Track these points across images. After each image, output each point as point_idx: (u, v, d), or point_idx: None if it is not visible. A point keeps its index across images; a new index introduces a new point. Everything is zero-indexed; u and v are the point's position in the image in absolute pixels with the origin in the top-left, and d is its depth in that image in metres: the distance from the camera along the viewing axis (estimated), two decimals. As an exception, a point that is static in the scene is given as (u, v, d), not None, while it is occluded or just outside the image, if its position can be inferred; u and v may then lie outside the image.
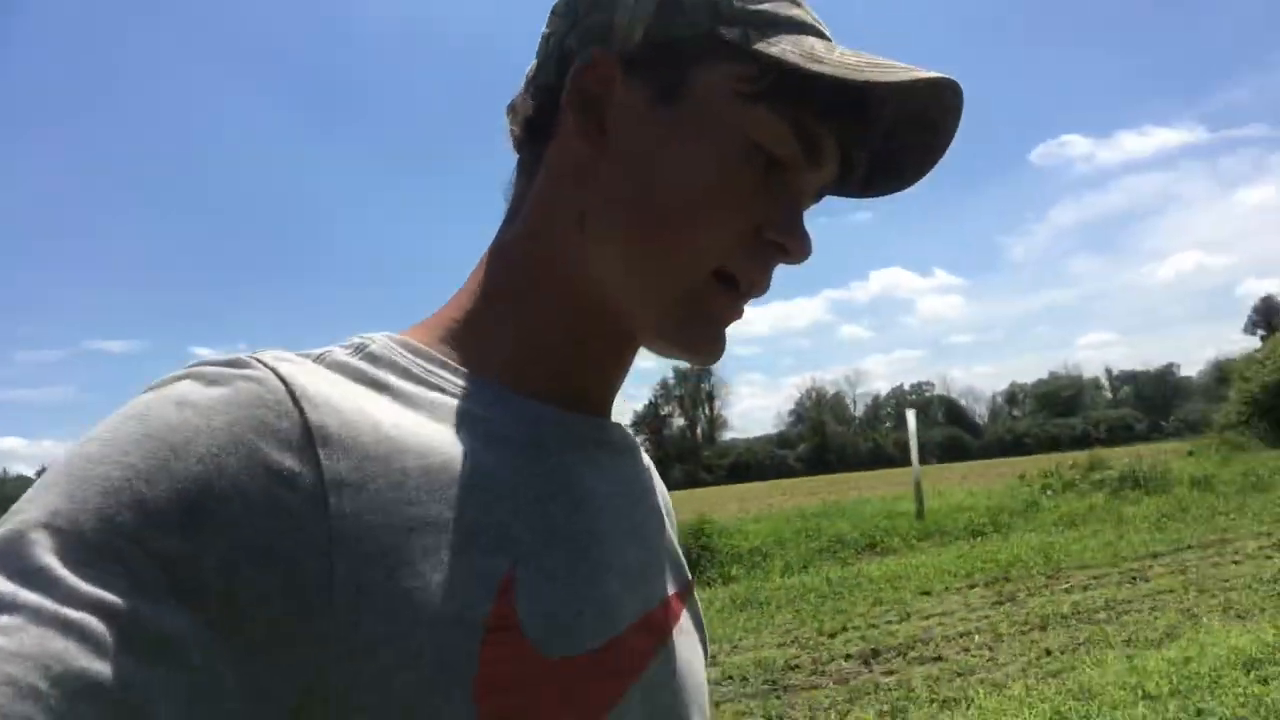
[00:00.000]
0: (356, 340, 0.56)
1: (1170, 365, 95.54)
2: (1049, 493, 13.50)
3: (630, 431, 0.69)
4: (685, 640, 0.64)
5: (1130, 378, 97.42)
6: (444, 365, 0.57)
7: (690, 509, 15.05)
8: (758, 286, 0.60)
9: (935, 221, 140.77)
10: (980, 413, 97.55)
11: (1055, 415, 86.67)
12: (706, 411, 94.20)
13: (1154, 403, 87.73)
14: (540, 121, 0.62)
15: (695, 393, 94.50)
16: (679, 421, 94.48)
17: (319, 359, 0.52)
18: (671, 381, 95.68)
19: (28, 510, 0.40)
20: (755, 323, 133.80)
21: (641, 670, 0.57)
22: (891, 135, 0.61)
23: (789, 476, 64.92)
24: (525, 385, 0.59)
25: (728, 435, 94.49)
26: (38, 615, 0.36)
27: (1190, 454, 17.76)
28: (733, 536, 12.31)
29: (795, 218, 0.59)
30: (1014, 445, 77.22)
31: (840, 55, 0.56)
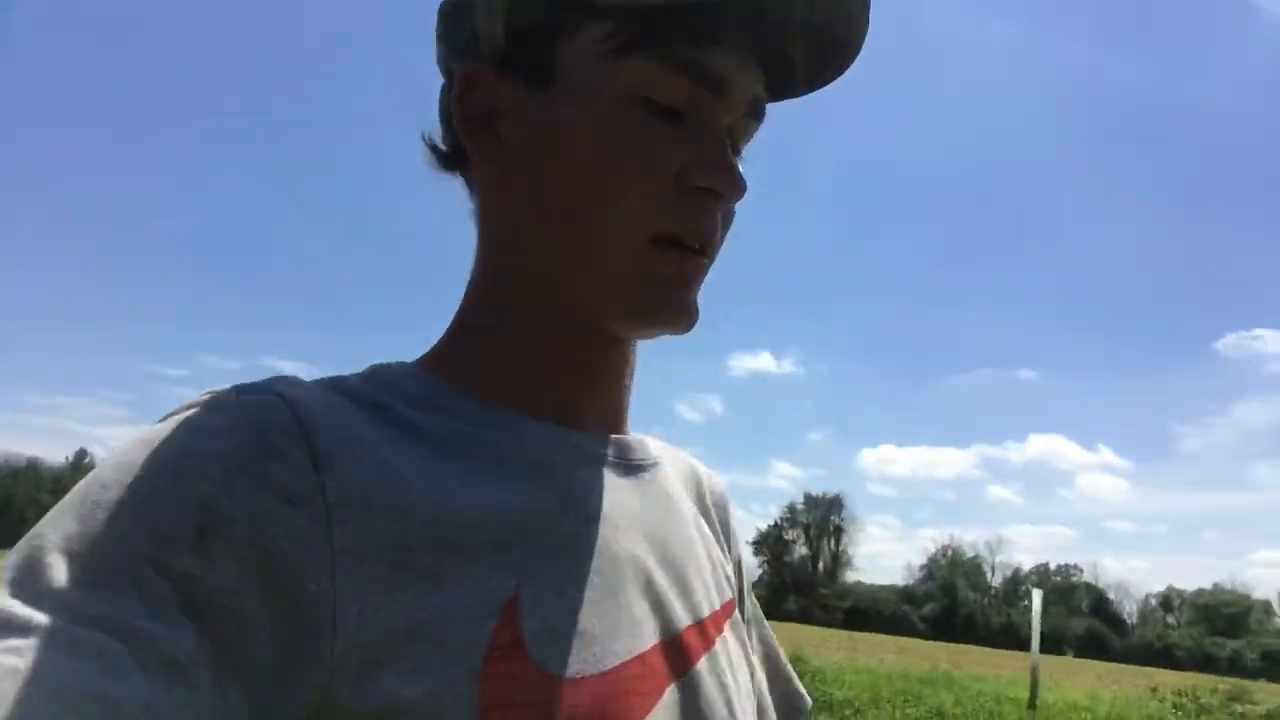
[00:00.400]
0: (370, 368, 0.59)
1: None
2: (1178, 713, 12.40)
3: (657, 446, 0.67)
4: (718, 664, 0.61)
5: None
6: (449, 390, 0.58)
7: (793, 643, 14.65)
8: (710, 239, 0.58)
9: (1107, 395, 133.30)
10: (1130, 610, 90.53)
11: (1214, 632, 79.43)
12: (832, 546, 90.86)
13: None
14: (456, 150, 0.62)
15: (823, 524, 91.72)
16: (802, 550, 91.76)
17: (329, 385, 0.54)
18: (800, 507, 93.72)
19: (43, 534, 0.42)
20: (897, 463, 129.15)
21: (659, 694, 0.54)
22: (818, 21, 0.57)
23: (910, 634, 61.82)
24: (530, 407, 0.59)
25: (851, 576, 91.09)
26: (52, 636, 0.37)
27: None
28: (827, 683, 11.88)
29: (717, 156, 0.56)
30: (1163, 654, 70.90)
31: None
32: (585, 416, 0.62)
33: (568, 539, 0.54)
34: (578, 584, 0.53)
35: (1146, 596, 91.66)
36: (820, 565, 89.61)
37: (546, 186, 0.57)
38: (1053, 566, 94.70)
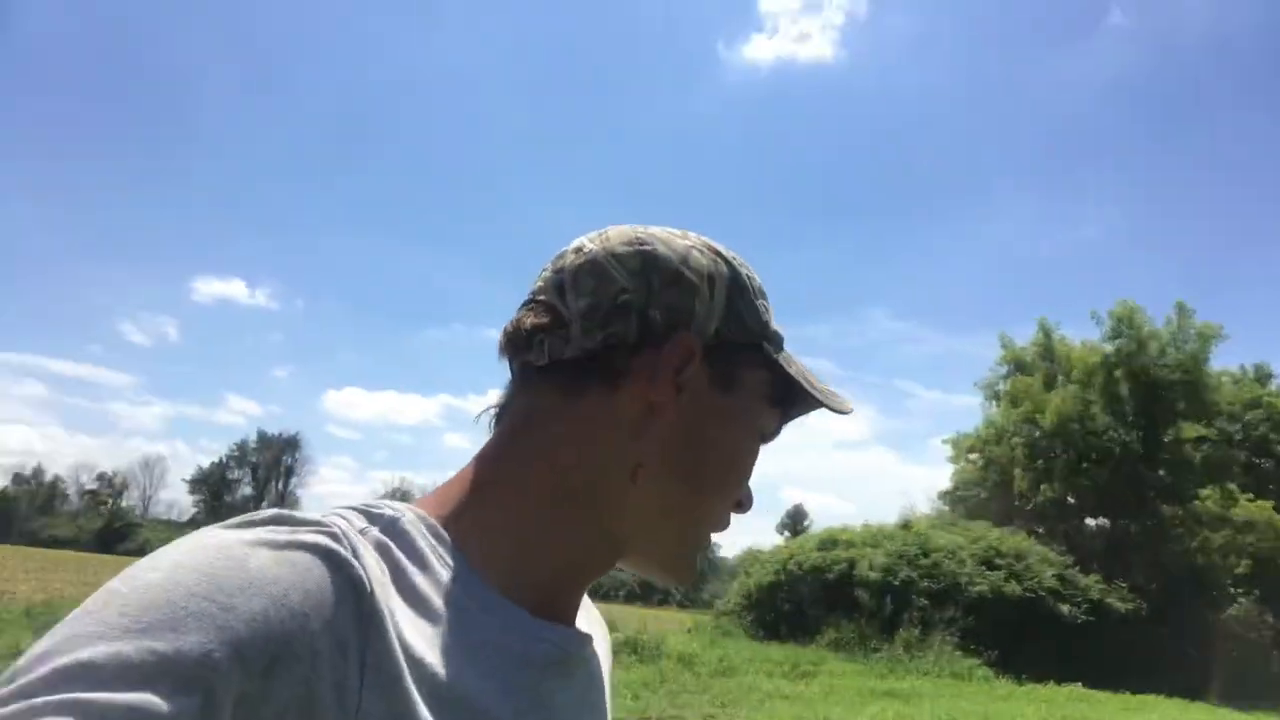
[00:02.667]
0: (389, 513, 0.60)
1: (712, 542, 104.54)
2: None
3: (591, 634, 0.71)
4: None
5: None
6: (455, 557, 0.61)
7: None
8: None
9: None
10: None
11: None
12: (280, 486, 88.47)
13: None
14: (595, 364, 0.67)
15: (273, 465, 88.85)
16: (247, 490, 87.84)
17: (363, 533, 0.57)
18: (252, 444, 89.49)
19: (133, 629, 0.43)
20: (361, 406, 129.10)
21: None
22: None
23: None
24: (519, 593, 0.63)
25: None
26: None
27: (689, 631, 19.55)
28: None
29: (750, 488, 0.75)
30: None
31: (807, 372, 0.74)
32: (559, 609, 0.67)
33: None
34: None
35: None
36: (264, 505, 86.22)
37: (691, 460, 0.69)
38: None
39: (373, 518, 0.60)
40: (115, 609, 0.44)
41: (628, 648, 14.20)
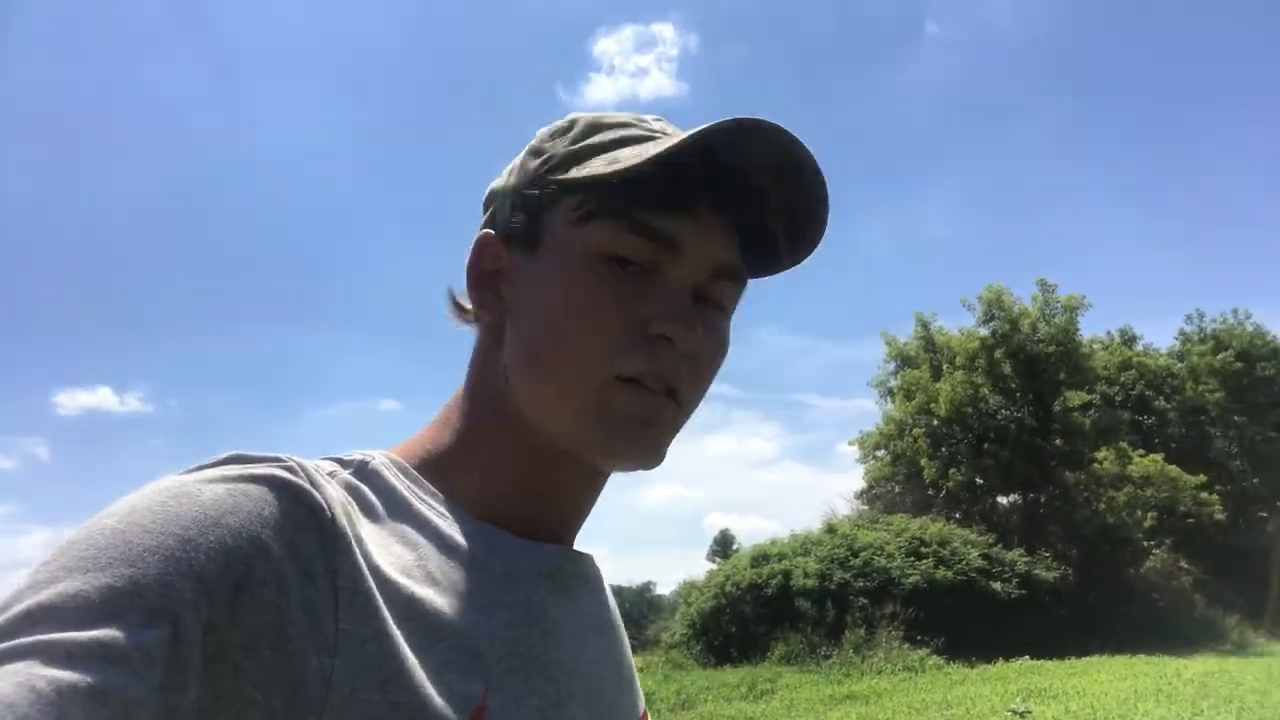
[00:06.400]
0: (359, 457, 0.62)
1: (649, 583, 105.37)
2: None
3: (596, 562, 0.71)
4: None
5: (616, 591, 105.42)
6: (430, 492, 0.63)
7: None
8: (667, 379, 0.62)
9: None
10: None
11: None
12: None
13: (632, 616, 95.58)
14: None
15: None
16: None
17: (332, 475, 0.58)
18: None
19: (84, 574, 0.43)
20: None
21: None
22: (788, 202, 0.65)
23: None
24: (498, 517, 0.64)
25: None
26: (96, 663, 0.40)
27: (640, 670, 19.17)
28: None
29: (677, 308, 0.61)
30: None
31: (654, 146, 0.60)
32: (547, 532, 0.67)
33: (528, 648, 0.59)
34: (536, 692, 0.57)
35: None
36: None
37: (526, 332, 0.65)
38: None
39: (344, 463, 0.61)
40: (73, 554, 0.44)
41: (580, 698, 13.68)
